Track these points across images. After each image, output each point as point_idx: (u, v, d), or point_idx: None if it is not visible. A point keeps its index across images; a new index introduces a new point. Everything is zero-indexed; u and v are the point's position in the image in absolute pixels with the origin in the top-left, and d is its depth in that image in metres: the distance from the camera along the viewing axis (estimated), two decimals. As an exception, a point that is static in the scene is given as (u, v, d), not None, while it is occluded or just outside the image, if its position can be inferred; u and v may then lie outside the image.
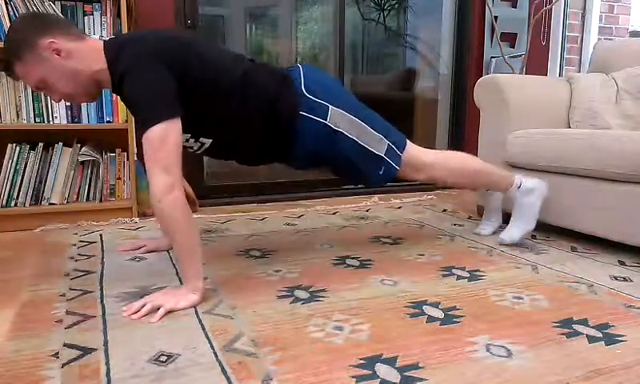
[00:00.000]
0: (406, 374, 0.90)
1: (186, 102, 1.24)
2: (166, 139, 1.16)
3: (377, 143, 1.51)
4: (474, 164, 1.76)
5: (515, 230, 1.75)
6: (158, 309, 1.14)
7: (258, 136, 1.43)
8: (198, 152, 1.45)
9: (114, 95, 2.10)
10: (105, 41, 1.32)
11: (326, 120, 1.43)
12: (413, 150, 1.60)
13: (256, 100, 1.37)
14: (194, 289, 1.20)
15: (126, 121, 2.11)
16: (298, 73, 1.46)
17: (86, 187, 2.13)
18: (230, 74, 1.34)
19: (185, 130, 1.25)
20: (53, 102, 2.03)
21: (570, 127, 2.14)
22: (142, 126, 1.18)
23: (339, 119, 1.45)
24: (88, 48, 1.28)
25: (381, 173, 1.54)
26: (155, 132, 1.15)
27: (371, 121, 1.52)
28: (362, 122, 1.49)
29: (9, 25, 1.90)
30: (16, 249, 1.73)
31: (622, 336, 1.07)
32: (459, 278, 1.43)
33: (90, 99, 1.38)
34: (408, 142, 1.60)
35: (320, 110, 1.43)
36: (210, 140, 1.41)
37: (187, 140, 1.38)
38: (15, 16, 1.91)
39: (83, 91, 1.31)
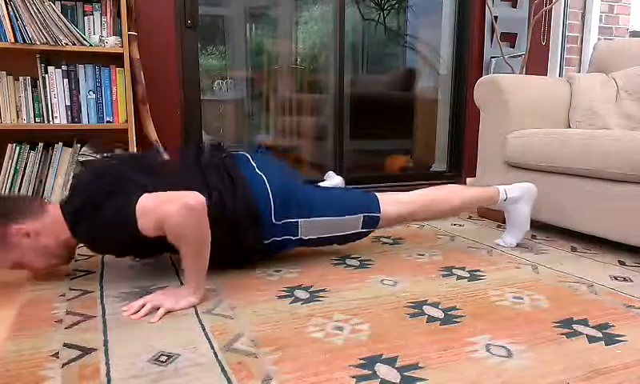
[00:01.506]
0: (406, 374, 0.90)
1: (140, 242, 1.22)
2: (153, 195, 1.18)
3: (353, 224, 1.53)
4: (452, 201, 1.67)
5: (510, 238, 1.78)
6: (158, 309, 1.14)
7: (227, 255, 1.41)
8: None
9: (114, 95, 2.10)
10: (60, 205, 1.33)
11: (297, 235, 1.46)
12: (385, 207, 1.57)
13: (218, 237, 1.26)
14: (194, 290, 1.20)
15: (126, 121, 2.11)
16: (264, 189, 1.41)
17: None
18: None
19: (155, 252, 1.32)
20: (53, 101, 2.04)
21: (570, 127, 2.14)
22: (131, 224, 1.16)
23: (311, 228, 1.47)
24: (51, 220, 1.29)
25: (360, 237, 1.58)
26: (141, 203, 1.16)
27: (341, 206, 1.52)
28: (334, 215, 1.50)
29: (9, 25, 1.91)
30: (16, 249, 1.72)
31: (622, 336, 1.07)
32: (459, 278, 1.43)
33: (66, 263, 1.40)
34: (380, 199, 1.58)
35: (290, 228, 1.44)
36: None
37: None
38: (15, 16, 1.91)
39: (57, 260, 1.35)
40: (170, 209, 1.13)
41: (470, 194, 1.73)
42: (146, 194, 1.18)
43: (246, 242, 1.39)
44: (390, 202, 1.59)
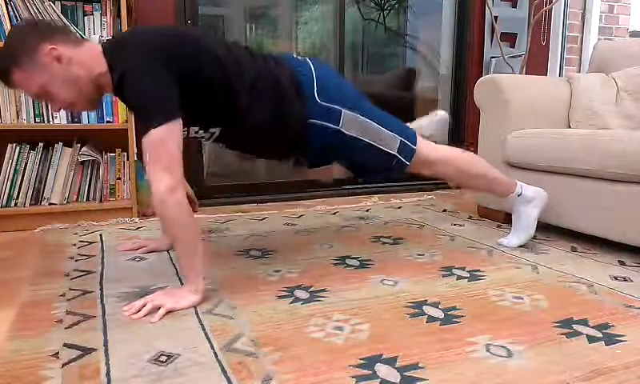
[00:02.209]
0: (406, 374, 0.90)
1: (191, 98, 1.24)
2: (166, 142, 1.16)
3: (391, 142, 1.51)
4: (478, 167, 1.73)
5: (515, 239, 1.77)
6: (159, 309, 1.14)
7: (268, 134, 1.42)
8: (209, 141, 1.45)
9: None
10: (103, 43, 1.31)
11: (338, 125, 1.43)
12: (421, 145, 1.59)
13: (265, 104, 1.36)
14: (194, 289, 1.20)
15: (126, 121, 2.11)
16: (308, 70, 1.44)
17: (86, 187, 2.13)
18: (239, 77, 1.32)
19: (192, 123, 1.28)
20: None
21: (570, 127, 2.14)
22: (144, 125, 1.18)
23: (352, 123, 1.44)
24: (88, 52, 1.27)
25: (392, 167, 1.56)
26: (156, 135, 1.15)
27: (383, 119, 1.52)
28: (375, 122, 1.49)
29: (9, 25, 1.91)
30: (16, 249, 1.73)
31: (622, 336, 1.07)
32: (459, 278, 1.43)
33: (91, 107, 1.36)
34: (418, 136, 1.60)
35: (332, 115, 1.42)
36: (219, 128, 1.40)
37: (197, 131, 1.39)
38: (15, 16, 1.91)
39: (85, 98, 1.30)
40: (153, 187, 1.15)
41: (492, 169, 1.75)
42: (162, 129, 1.15)
43: (292, 112, 1.38)
44: (426, 143, 1.62)
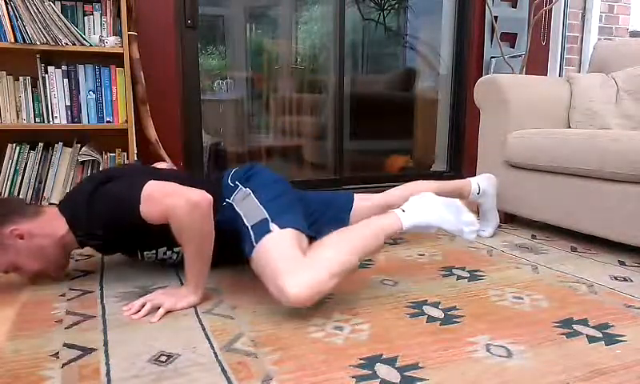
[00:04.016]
0: (406, 374, 0.90)
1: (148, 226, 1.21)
2: (159, 184, 1.19)
3: (253, 215, 1.25)
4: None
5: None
6: (158, 308, 1.14)
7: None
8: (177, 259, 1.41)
9: (114, 95, 2.10)
10: (58, 204, 1.34)
11: (231, 200, 1.34)
12: (286, 241, 1.18)
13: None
14: (194, 289, 1.20)
15: (126, 121, 2.11)
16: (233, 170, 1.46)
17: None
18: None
19: (159, 245, 1.32)
20: (53, 101, 2.04)
21: (569, 127, 2.14)
22: (134, 206, 1.16)
23: (241, 199, 1.32)
24: (46, 220, 1.29)
25: (244, 244, 1.23)
26: (147, 189, 1.17)
27: (273, 203, 1.28)
28: (260, 202, 1.27)
29: (9, 25, 1.90)
30: (16, 249, 1.72)
31: (622, 336, 1.07)
32: (459, 278, 1.43)
33: (61, 270, 1.38)
34: (297, 237, 1.20)
35: (231, 190, 1.37)
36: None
37: (165, 252, 1.39)
38: (15, 16, 1.91)
39: (53, 263, 1.32)
40: (176, 202, 1.13)
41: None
42: (152, 181, 1.18)
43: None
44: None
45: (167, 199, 1.15)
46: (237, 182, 1.39)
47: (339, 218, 1.57)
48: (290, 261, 1.10)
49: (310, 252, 1.16)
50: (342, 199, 1.65)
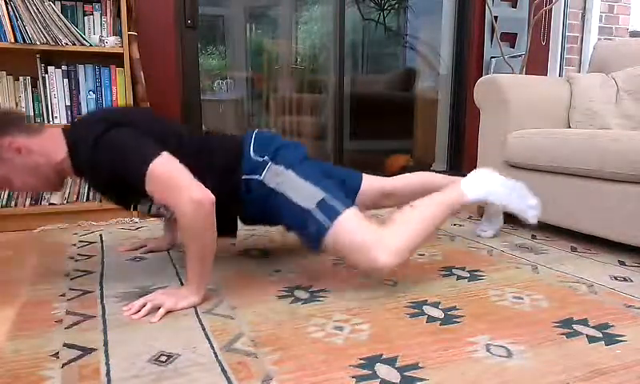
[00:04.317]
0: (406, 374, 0.90)
1: None
2: (167, 167, 1.16)
3: (308, 195, 1.28)
4: (428, 232, 1.39)
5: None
6: (158, 308, 1.14)
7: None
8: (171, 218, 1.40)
9: (114, 95, 2.10)
10: (63, 128, 1.31)
11: (261, 176, 1.34)
12: (351, 222, 1.26)
13: (211, 174, 1.28)
14: (195, 290, 1.20)
15: (126, 121, 2.11)
16: (249, 135, 1.42)
17: (86, 187, 2.13)
18: (185, 149, 1.29)
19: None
20: (53, 101, 2.04)
21: (569, 127, 2.14)
22: (137, 176, 1.14)
23: (273, 174, 1.33)
24: (48, 139, 1.27)
25: (308, 227, 1.27)
26: (157, 167, 1.14)
27: (316, 179, 1.33)
28: (301, 177, 1.32)
29: (9, 25, 1.91)
30: (16, 249, 1.73)
31: (622, 336, 1.07)
32: (459, 278, 1.43)
33: (54, 189, 1.36)
34: (356, 213, 1.29)
35: (258, 165, 1.35)
36: None
37: (158, 208, 1.38)
38: (15, 16, 1.91)
39: (46, 183, 1.30)
40: (179, 200, 1.12)
41: (440, 209, 1.44)
42: (162, 159, 1.15)
43: (226, 176, 1.34)
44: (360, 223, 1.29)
45: (171, 193, 1.14)
46: (264, 157, 1.35)
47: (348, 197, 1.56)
48: (372, 233, 1.23)
49: (385, 225, 1.28)
50: (352, 179, 1.63)
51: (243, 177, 1.35)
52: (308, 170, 1.35)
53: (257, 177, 1.34)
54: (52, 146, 1.26)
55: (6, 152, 1.21)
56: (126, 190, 1.24)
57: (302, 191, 1.29)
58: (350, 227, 1.24)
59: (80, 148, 1.22)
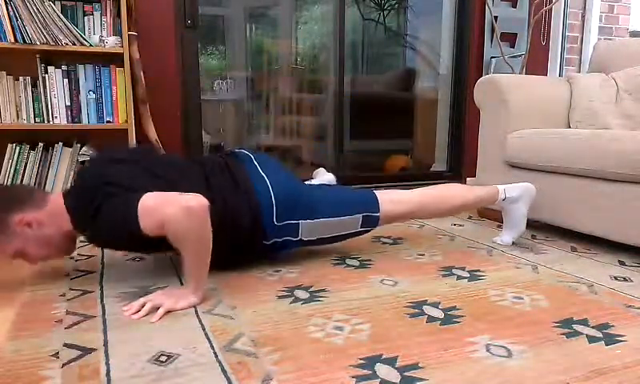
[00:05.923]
0: (406, 374, 0.90)
1: None
2: (153, 195, 1.17)
3: (352, 224, 1.53)
4: (454, 200, 1.69)
5: (507, 237, 1.80)
6: (158, 308, 1.14)
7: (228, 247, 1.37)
8: None
9: (114, 95, 2.10)
10: (63, 194, 1.33)
11: (297, 237, 1.46)
12: (385, 207, 1.57)
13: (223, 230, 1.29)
14: (194, 290, 1.20)
15: (126, 121, 2.12)
16: (267, 193, 1.40)
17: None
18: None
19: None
20: (53, 101, 2.04)
21: (569, 127, 2.14)
22: (134, 222, 1.15)
23: (311, 230, 1.47)
24: (53, 211, 1.29)
25: (361, 233, 1.58)
26: (142, 203, 1.15)
27: (340, 206, 1.52)
28: (334, 217, 1.49)
29: (9, 25, 1.91)
30: (16, 249, 1.72)
31: (622, 336, 1.07)
32: (459, 278, 1.43)
33: (68, 254, 1.40)
34: (380, 199, 1.57)
35: (291, 229, 1.44)
36: None
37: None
38: (15, 16, 1.91)
39: (58, 251, 1.34)
40: (172, 211, 1.12)
41: (470, 194, 1.73)
42: (147, 194, 1.18)
43: (248, 243, 1.40)
44: (390, 201, 1.59)
45: (163, 209, 1.14)
46: (291, 220, 1.43)
47: None
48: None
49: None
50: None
51: (272, 241, 1.43)
52: (332, 201, 1.53)
53: (293, 238, 1.46)
54: (58, 218, 1.29)
55: (17, 227, 1.25)
56: (130, 242, 1.29)
57: (347, 224, 1.52)
58: (388, 214, 1.58)
59: (80, 218, 1.26)
